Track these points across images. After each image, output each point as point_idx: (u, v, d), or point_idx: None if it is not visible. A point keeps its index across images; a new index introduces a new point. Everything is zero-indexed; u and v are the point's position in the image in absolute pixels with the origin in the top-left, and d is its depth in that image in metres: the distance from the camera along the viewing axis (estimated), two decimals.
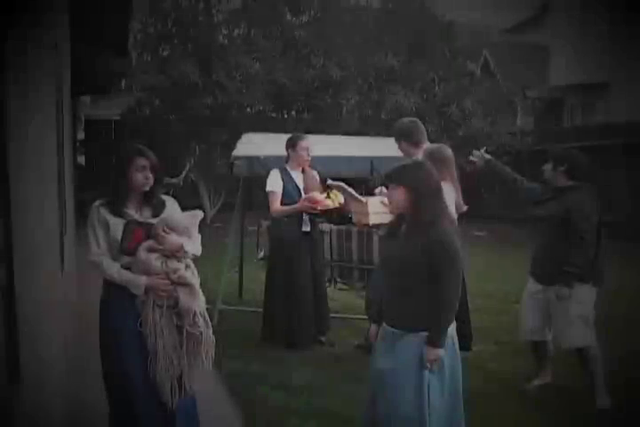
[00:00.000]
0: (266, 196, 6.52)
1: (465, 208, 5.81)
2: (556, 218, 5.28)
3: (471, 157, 5.83)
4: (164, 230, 3.82)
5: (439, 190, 3.82)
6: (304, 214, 6.41)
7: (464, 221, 5.87)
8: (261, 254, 8.08)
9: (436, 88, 13.86)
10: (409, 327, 3.76)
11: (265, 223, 7.54)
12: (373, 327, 4.09)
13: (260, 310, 6.86)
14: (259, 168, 7.16)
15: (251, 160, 7.34)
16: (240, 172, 7.47)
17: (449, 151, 5.73)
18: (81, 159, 16.66)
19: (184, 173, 13.53)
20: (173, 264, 3.84)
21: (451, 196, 5.60)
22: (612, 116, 18.60)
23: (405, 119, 6.33)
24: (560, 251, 5.24)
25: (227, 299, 7.72)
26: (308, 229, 6.50)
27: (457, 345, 3.92)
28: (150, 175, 3.89)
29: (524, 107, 16.17)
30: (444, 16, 15.10)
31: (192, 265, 3.95)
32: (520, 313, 5.72)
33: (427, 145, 5.90)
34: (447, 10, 15.08)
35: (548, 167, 5.40)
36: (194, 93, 13.54)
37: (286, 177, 6.45)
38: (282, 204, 6.41)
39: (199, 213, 4.01)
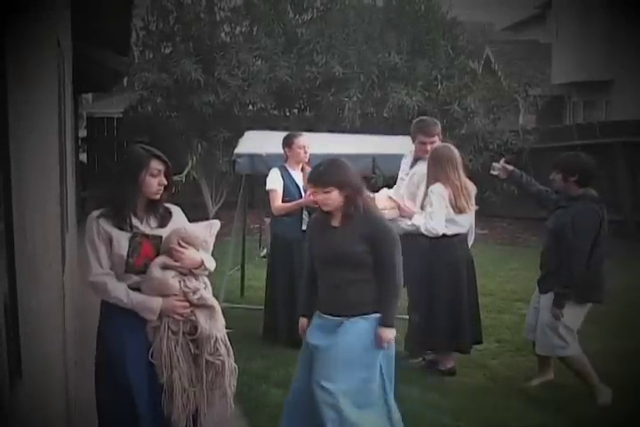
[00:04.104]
0: (267, 193, 6.52)
1: (469, 210, 5.81)
2: (556, 230, 5.27)
3: (492, 171, 5.79)
4: (179, 244, 3.39)
5: (363, 183, 4.04)
6: (304, 213, 6.41)
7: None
8: (264, 252, 8.09)
9: (439, 86, 13.82)
10: (355, 314, 3.95)
11: (267, 220, 7.54)
12: (304, 321, 4.24)
13: (262, 307, 6.87)
14: (261, 166, 7.16)
15: (253, 158, 7.34)
16: (242, 169, 7.47)
17: (455, 150, 5.75)
18: (82, 157, 16.65)
19: (186, 170, 13.52)
20: (192, 283, 3.42)
21: (443, 194, 5.60)
22: (614, 114, 18.57)
23: (424, 117, 6.47)
24: (552, 264, 5.27)
25: (228, 297, 7.73)
26: None
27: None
28: (165, 181, 3.49)
29: (527, 105, 16.10)
30: (447, 14, 15.07)
31: (209, 284, 3.56)
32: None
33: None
34: (450, 7, 15.05)
35: (557, 177, 5.29)
36: (196, 91, 13.54)
37: (286, 175, 6.45)
38: (282, 202, 6.41)
39: (217, 223, 3.61)
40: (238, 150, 7.59)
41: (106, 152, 16.57)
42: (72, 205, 7.25)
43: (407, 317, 6.18)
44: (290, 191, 6.40)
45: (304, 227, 6.44)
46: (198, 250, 3.46)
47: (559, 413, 5.09)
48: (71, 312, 5.33)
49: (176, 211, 3.66)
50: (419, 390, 5.44)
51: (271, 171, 6.51)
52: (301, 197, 6.34)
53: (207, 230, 3.54)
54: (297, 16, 15.22)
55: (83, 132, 17.06)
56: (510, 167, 5.74)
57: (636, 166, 13.44)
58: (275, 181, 6.42)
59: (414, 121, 6.32)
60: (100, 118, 17.77)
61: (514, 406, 5.22)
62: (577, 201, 5.20)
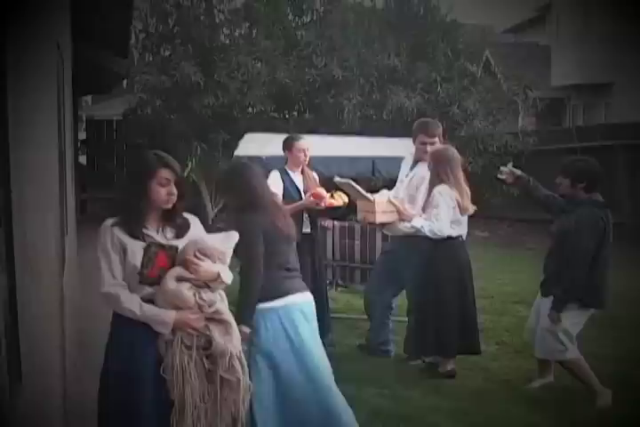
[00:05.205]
0: None
1: (472, 210, 5.80)
2: (560, 235, 5.26)
3: (499, 176, 5.74)
4: (196, 256, 3.27)
5: (238, 186, 4.22)
6: (304, 216, 6.40)
7: (468, 222, 5.88)
8: None
9: (438, 88, 13.84)
10: None
11: None
12: None
13: None
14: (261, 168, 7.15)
15: (252, 160, 7.33)
16: None
17: (455, 152, 5.75)
18: (82, 159, 16.65)
19: (186, 172, 13.52)
20: (208, 296, 3.30)
21: (450, 195, 5.60)
22: (614, 116, 18.58)
23: (426, 118, 6.53)
24: (555, 268, 5.26)
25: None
26: (309, 230, 6.48)
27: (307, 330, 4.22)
28: (175, 191, 3.32)
29: (526, 107, 16.12)
30: (446, 17, 15.11)
31: (225, 297, 3.44)
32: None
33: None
34: (449, 10, 15.09)
35: (565, 182, 5.26)
36: (195, 93, 13.55)
37: (286, 178, 6.43)
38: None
39: (235, 235, 3.51)
40: (238, 153, 7.59)
41: (105, 154, 16.58)
42: (71, 206, 7.24)
43: (407, 319, 6.18)
44: (290, 194, 6.39)
45: (304, 229, 6.43)
46: (215, 262, 3.34)
47: (559, 415, 5.08)
48: (70, 314, 5.33)
49: (194, 221, 3.53)
50: (418, 393, 5.43)
51: (271, 173, 6.49)
52: (301, 199, 6.32)
53: (225, 242, 3.43)
54: (296, 18, 15.25)
55: (82, 135, 17.05)
56: (518, 172, 5.68)
57: (636, 168, 13.45)
58: (275, 184, 6.39)
59: (416, 122, 6.32)
60: (99, 121, 17.78)
61: (514, 408, 5.20)
62: (582, 206, 5.17)
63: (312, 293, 6.45)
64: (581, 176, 5.19)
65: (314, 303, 4.41)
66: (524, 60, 21.06)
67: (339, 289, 8.03)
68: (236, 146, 8.06)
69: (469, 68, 14.67)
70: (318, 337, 4.29)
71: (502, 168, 5.74)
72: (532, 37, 24.24)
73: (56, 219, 4.31)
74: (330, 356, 6.31)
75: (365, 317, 6.64)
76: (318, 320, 6.54)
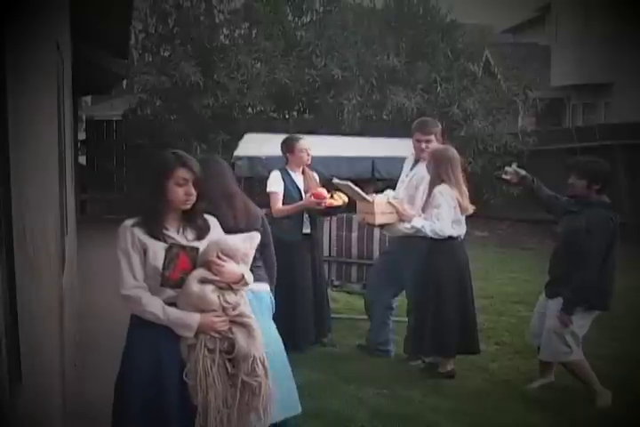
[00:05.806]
0: (267, 196, 6.50)
1: (472, 210, 5.80)
2: (568, 235, 5.24)
3: (504, 176, 5.72)
4: (219, 257, 3.20)
5: (208, 180, 3.79)
6: (305, 216, 6.39)
7: (467, 222, 5.88)
8: None
9: (438, 88, 13.85)
10: None
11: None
12: None
13: None
14: (260, 168, 7.16)
15: (252, 160, 7.35)
16: (241, 172, 7.47)
17: (454, 152, 5.75)
18: (82, 159, 16.65)
19: None
20: (232, 298, 3.21)
21: (451, 195, 5.60)
22: (614, 116, 18.58)
23: (425, 117, 6.54)
24: (562, 269, 5.23)
25: None
26: (309, 230, 6.48)
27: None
28: (193, 191, 3.24)
29: (526, 107, 16.12)
30: (446, 17, 15.11)
31: (247, 299, 3.35)
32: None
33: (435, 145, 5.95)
34: (449, 10, 15.10)
35: (579, 183, 5.22)
36: (195, 94, 13.55)
37: (287, 178, 6.43)
38: (283, 204, 6.39)
39: (257, 236, 3.45)
40: (237, 153, 7.60)
41: (105, 155, 16.57)
42: (71, 207, 7.24)
43: (407, 319, 6.18)
44: (290, 194, 6.38)
45: (305, 229, 6.43)
46: (238, 263, 3.27)
47: (559, 415, 5.07)
48: (70, 314, 5.33)
49: (214, 223, 3.46)
50: (418, 393, 5.43)
51: (272, 173, 6.49)
52: (302, 199, 6.32)
53: (247, 243, 3.36)
54: (296, 19, 15.25)
55: (82, 135, 17.05)
56: (522, 172, 5.65)
57: (636, 168, 13.44)
58: (276, 184, 6.39)
59: (415, 121, 6.33)
60: (99, 121, 17.76)
61: (514, 408, 5.20)
62: (591, 207, 5.16)
63: (312, 292, 6.51)
64: (598, 178, 5.18)
65: (266, 296, 4.40)
66: (523, 60, 21.06)
67: (334, 289, 8.02)
68: (235, 146, 8.06)
69: (469, 68, 14.66)
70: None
71: (507, 168, 5.71)
72: (532, 38, 24.25)
73: (56, 219, 4.30)
74: (330, 356, 6.36)
75: (365, 317, 6.64)
76: (318, 320, 6.59)
